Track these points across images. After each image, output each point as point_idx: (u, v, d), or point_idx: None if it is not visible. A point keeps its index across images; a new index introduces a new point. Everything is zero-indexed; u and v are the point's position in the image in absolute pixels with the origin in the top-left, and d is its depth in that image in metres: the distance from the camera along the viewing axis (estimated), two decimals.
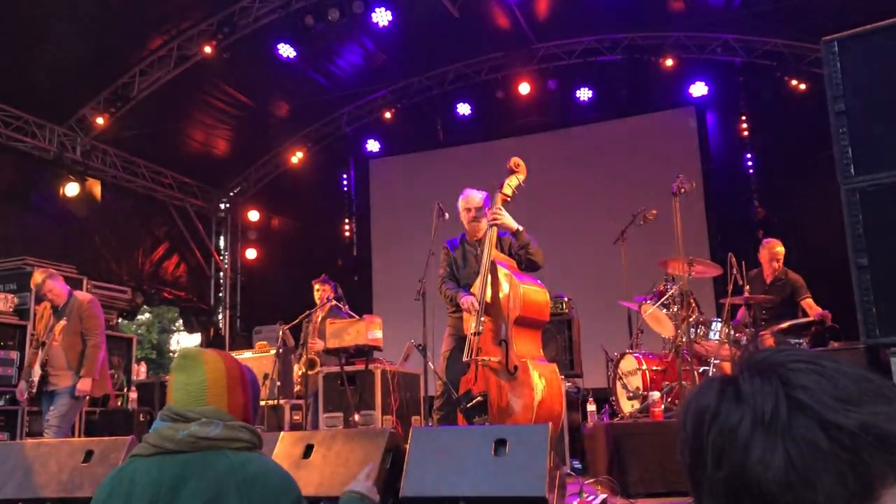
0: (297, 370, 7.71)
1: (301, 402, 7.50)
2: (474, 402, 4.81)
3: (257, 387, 2.03)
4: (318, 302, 7.28)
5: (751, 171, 10.60)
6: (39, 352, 6.31)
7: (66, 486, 4.37)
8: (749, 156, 10.63)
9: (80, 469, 4.44)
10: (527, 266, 5.24)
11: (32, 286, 6.55)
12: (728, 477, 0.80)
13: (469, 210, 5.40)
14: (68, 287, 6.57)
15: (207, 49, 9.58)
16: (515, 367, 4.75)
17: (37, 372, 6.25)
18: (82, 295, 6.57)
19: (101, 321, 6.51)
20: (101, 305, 8.86)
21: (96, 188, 9.92)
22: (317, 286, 7.36)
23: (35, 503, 4.36)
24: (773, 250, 6.91)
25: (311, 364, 6.93)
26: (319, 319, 7.11)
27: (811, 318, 6.34)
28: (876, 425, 0.76)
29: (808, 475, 0.75)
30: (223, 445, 1.75)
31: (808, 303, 6.61)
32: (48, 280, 6.40)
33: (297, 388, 7.56)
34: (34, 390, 6.27)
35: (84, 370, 6.23)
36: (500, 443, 3.65)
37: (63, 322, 6.32)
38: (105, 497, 1.75)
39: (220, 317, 13.36)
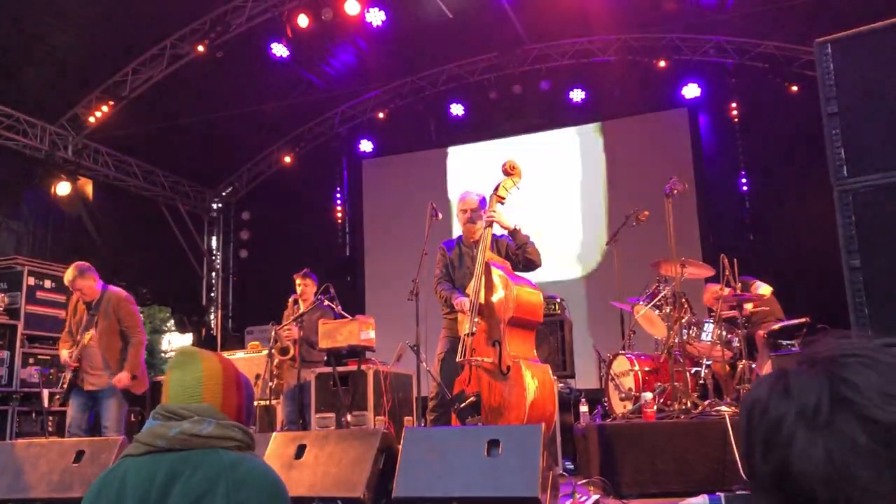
0: (274, 360, 7.59)
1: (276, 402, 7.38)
2: (467, 402, 4.82)
3: (251, 390, 2.03)
4: (299, 296, 7.22)
5: (742, 172, 10.63)
6: (74, 349, 6.13)
7: (57, 487, 4.36)
8: (741, 158, 10.66)
9: (70, 469, 4.43)
10: (524, 266, 5.25)
11: (66, 282, 6.23)
12: (774, 470, 0.82)
13: (465, 211, 5.41)
14: (101, 282, 6.24)
15: (200, 48, 9.55)
16: (508, 368, 4.75)
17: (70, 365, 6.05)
18: (116, 291, 6.25)
19: (139, 317, 6.29)
20: None
21: (88, 187, 9.89)
22: (298, 280, 7.31)
23: (25, 503, 4.34)
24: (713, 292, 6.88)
25: (283, 351, 6.83)
26: (301, 311, 7.06)
27: (802, 321, 6.36)
28: None
29: (847, 470, 0.76)
30: (215, 444, 1.74)
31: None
32: (79, 279, 6.09)
33: (272, 382, 7.41)
34: (65, 385, 6.03)
35: (127, 365, 6.00)
36: (493, 443, 3.66)
37: (97, 327, 6.03)
38: (94, 496, 1.73)
39: (212, 317, 13.33)
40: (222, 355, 2.04)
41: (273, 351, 6.83)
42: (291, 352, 6.84)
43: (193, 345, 13.50)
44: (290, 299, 7.32)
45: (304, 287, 7.23)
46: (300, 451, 4.05)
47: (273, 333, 7.09)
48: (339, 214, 13.08)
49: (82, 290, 6.11)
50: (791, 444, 0.80)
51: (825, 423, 0.79)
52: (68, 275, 6.14)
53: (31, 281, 7.95)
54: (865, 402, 0.78)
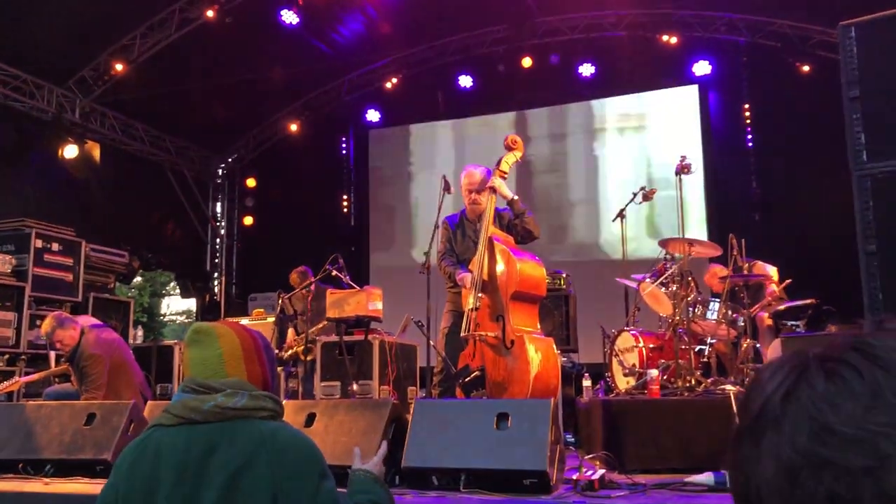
0: (290, 337, 7.72)
1: (296, 370, 7.55)
2: (472, 376, 4.87)
3: (272, 353, 2.04)
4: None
5: (751, 151, 10.60)
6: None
7: (68, 448, 4.41)
8: (750, 136, 10.62)
9: (81, 431, 4.47)
10: (523, 236, 5.31)
11: (42, 334, 5.98)
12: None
13: (470, 185, 5.43)
14: (79, 331, 5.90)
15: (210, 13, 9.48)
16: (512, 342, 4.79)
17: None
18: (91, 343, 5.86)
19: (103, 378, 5.77)
20: (99, 269, 8.91)
21: (95, 151, 9.87)
22: (294, 275, 7.48)
23: (36, 463, 4.40)
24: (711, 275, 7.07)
25: (307, 351, 6.98)
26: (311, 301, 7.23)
27: (808, 302, 6.38)
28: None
29: (762, 497, 0.64)
30: (250, 415, 1.77)
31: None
32: (58, 329, 5.80)
33: (288, 351, 7.57)
34: None
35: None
36: (503, 416, 3.69)
37: (78, 385, 5.85)
38: (129, 465, 1.76)
39: (216, 283, 13.37)
40: (236, 324, 2.04)
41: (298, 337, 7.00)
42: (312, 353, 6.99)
43: (197, 311, 13.57)
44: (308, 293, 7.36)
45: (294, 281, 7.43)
46: (310, 419, 4.09)
47: (280, 302, 7.15)
48: (345, 183, 13.06)
49: (62, 342, 5.82)
50: (736, 449, 0.68)
51: (755, 440, 0.66)
52: (46, 326, 5.85)
53: (39, 243, 7.96)
54: (789, 427, 0.63)
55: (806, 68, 9.90)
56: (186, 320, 25.56)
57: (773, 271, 6.84)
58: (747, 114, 10.61)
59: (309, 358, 6.97)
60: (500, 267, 4.98)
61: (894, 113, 2.95)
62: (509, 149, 5.39)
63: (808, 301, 6.37)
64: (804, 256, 8.67)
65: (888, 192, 2.87)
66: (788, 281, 6.56)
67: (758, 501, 0.64)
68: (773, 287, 6.65)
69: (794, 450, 0.62)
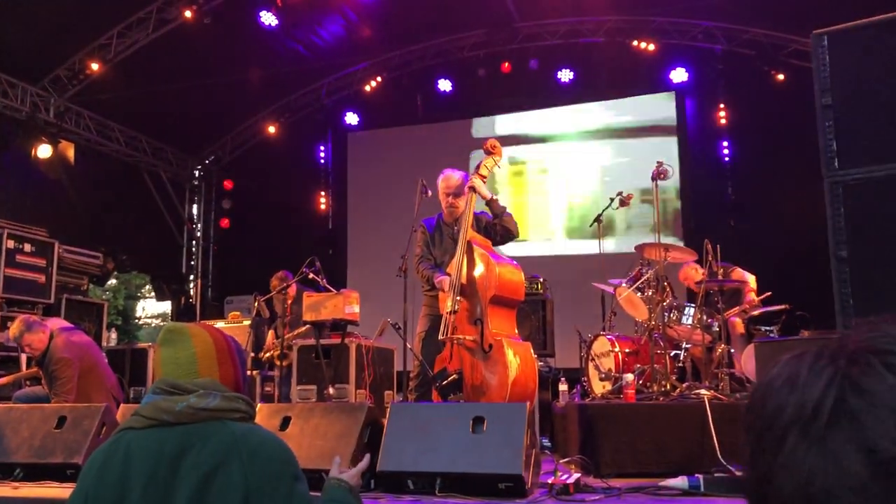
0: (269, 340, 7.71)
1: (272, 373, 7.52)
2: (449, 380, 4.86)
3: (244, 356, 2.03)
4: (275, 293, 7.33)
5: (726, 158, 10.70)
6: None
7: (38, 452, 4.35)
8: (725, 143, 10.73)
9: (52, 435, 4.42)
10: (502, 236, 5.33)
11: (11, 338, 5.88)
12: (760, 477, 0.68)
13: (447, 189, 5.43)
14: (48, 334, 5.85)
15: (188, 14, 9.42)
16: (490, 346, 4.80)
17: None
18: (60, 347, 5.82)
19: (73, 382, 5.74)
20: (72, 270, 8.81)
21: (69, 151, 9.76)
22: (275, 281, 7.45)
23: (5, 467, 4.33)
24: (686, 272, 7.13)
25: (283, 356, 6.96)
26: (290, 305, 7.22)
27: (782, 307, 6.45)
28: None
29: (830, 498, 0.62)
30: (223, 416, 1.76)
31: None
32: (27, 333, 5.74)
33: (266, 354, 7.58)
34: None
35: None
36: (478, 420, 3.70)
37: (47, 388, 5.81)
38: (98, 471, 1.73)
39: (192, 285, 13.27)
40: (210, 326, 2.04)
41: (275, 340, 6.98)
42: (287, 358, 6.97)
43: (172, 312, 13.45)
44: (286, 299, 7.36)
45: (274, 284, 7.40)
46: (285, 422, 4.07)
47: (256, 304, 7.11)
48: (323, 186, 13.01)
49: (31, 345, 5.78)
50: (779, 448, 0.66)
51: (817, 437, 0.63)
52: (14, 330, 5.79)
53: (11, 244, 7.86)
54: (873, 421, 0.62)
55: (780, 76, 10.02)
56: (161, 323, 25.29)
57: (751, 279, 6.91)
58: (723, 121, 10.72)
59: (285, 363, 6.94)
60: (479, 270, 4.99)
61: (865, 120, 2.99)
62: (489, 153, 5.43)
63: (782, 307, 6.44)
64: (778, 262, 8.76)
65: (859, 199, 2.91)
66: (768, 294, 6.60)
67: (824, 497, 0.62)
68: (752, 296, 6.71)
69: (891, 441, 0.60)
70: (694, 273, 7.02)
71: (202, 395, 1.75)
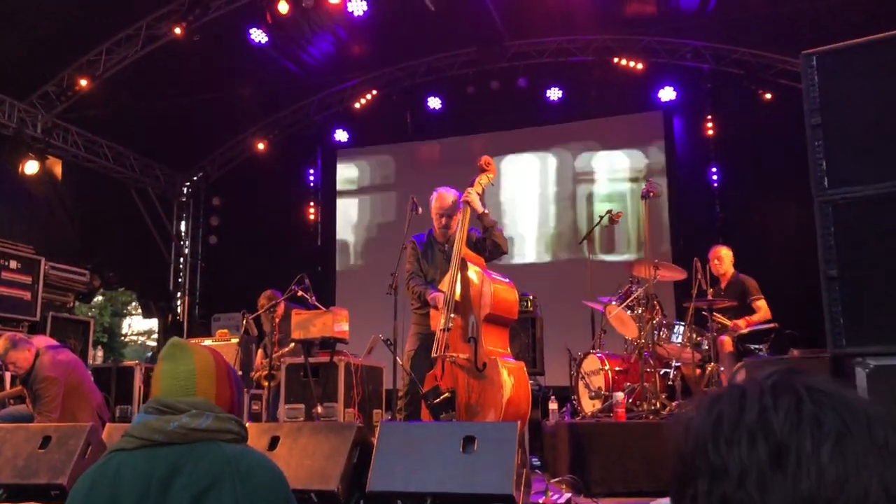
0: (259, 359, 7.66)
1: (260, 392, 7.46)
2: (441, 398, 4.81)
3: (241, 383, 2.03)
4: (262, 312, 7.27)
5: (714, 177, 10.75)
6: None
7: (22, 472, 4.29)
8: (713, 162, 10.78)
9: (36, 455, 4.36)
10: (492, 250, 5.31)
11: None
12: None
13: (440, 209, 5.41)
14: (34, 352, 5.75)
15: (177, 30, 9.41)
16: (484, 364, 4.76)
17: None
18: (46, 365, 5.72)
19: (57, 401, 5.64)
20: (58, 287, 8.73)
21: (57, 167, 9.70)
22: (263, 300, 7.41)
23: None
24: (714, 252, 7.09)
25: (270, 377, 6.89)
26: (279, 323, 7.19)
27: (770, 326, 6.46)
28: None
29: None
30: (214, 437, 1.73)
31: (759, 304, 6.76)
32: (12, 351, 5.65)
33: (256, 374, 7.54)
34: None
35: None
36: (469, 440, 3.67)
37: (32, 407, 5.73)
38: (87, 492, 1.70)
39: (179, 303, 13.18)
40: (212, 347, 2.03)
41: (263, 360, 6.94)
42: (276, 379, 6.91)
43: (159, 330, 13.35)
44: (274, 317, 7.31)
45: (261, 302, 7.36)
46: (273, 442, 4.03)
47: (244, 322, 7.07)
48: (312, 204, 12.98)
49: (16, 364, 5.67)
50: (742, 481, 0.70)
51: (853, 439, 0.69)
52: None
53: None
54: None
55: (768, 95, 10.10)
56: (148, 341, 25.10)
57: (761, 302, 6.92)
58: (711, 140, 10.78)
59: (273, 383, 6.87)
60: (474, 288, 4.95)
61: (854, 140, 3.01)
62: (482, 170, 5.42)
63: (771, 325, 6.46)
64: (766, 279, 8.78)
65: (849, 218, 2.93)
66: (776, 326, 6.61)
67: None
68: (761, 303, 6.74)
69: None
70: (726, 255, 7.06)
71: (195, 415, 1.73)
